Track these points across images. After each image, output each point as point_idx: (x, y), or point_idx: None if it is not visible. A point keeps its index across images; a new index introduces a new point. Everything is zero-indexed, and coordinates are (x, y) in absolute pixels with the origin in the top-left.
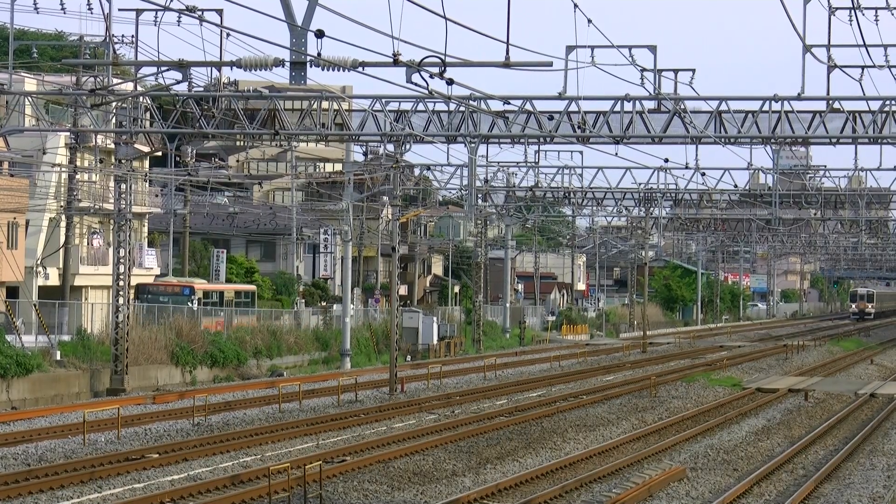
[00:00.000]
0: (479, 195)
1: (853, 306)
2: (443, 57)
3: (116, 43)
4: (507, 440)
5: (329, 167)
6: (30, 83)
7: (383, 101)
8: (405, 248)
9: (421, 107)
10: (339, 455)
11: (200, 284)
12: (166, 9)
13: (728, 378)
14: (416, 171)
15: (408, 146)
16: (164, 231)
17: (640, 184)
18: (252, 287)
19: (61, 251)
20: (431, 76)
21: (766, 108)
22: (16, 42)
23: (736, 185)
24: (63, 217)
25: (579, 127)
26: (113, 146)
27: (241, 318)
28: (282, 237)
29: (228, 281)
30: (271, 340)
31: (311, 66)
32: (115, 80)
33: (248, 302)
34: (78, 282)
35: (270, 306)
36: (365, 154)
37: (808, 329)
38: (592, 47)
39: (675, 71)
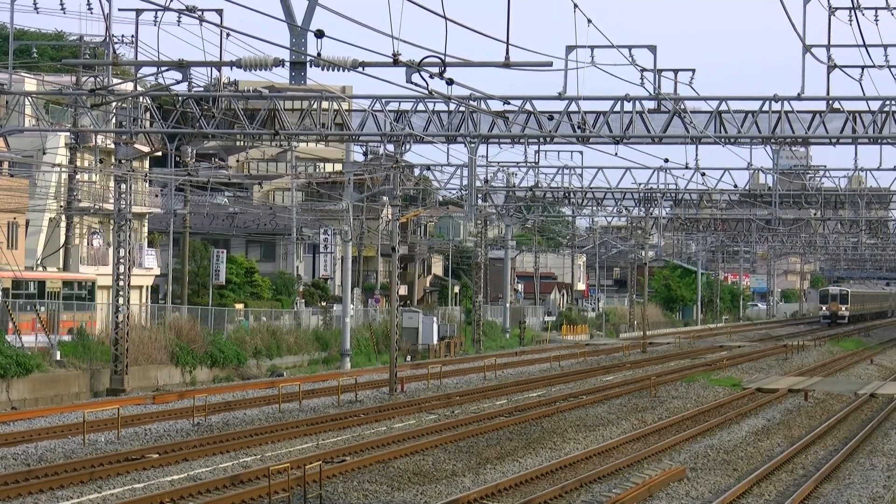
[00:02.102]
0: (479, 195)
1: (823, 308)
2: (443, 57)
3: (116, 43)
4: (506, 440)
5: (329, 167)
6: (30, 83)
7: (383, 101)
8: (405, 249)
9: (421, 107)
10: (339, 455)
11: (7, 273)
12: (166, 9)
13: (728, 378)
14: (416, 172)
15: (408, 146)
16: (164, 231)
17: (639, 184)
18: (91, 276)
19: (61, 251)
20: (431, 76)
21: (765, 108)
22: (16, 42)
23: (736, 185)
24: (63, 217)
25: (579, 127)
26: (113, 146)
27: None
28: (282, 237)
29: (228, 281)
30: (271, 341)
31: (310, 66)
32: (115, 80)
33: (86, 295)
34: None
35: (270, 306)
36: (365, 154)
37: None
38: (592, 47)
39: (675, 71)
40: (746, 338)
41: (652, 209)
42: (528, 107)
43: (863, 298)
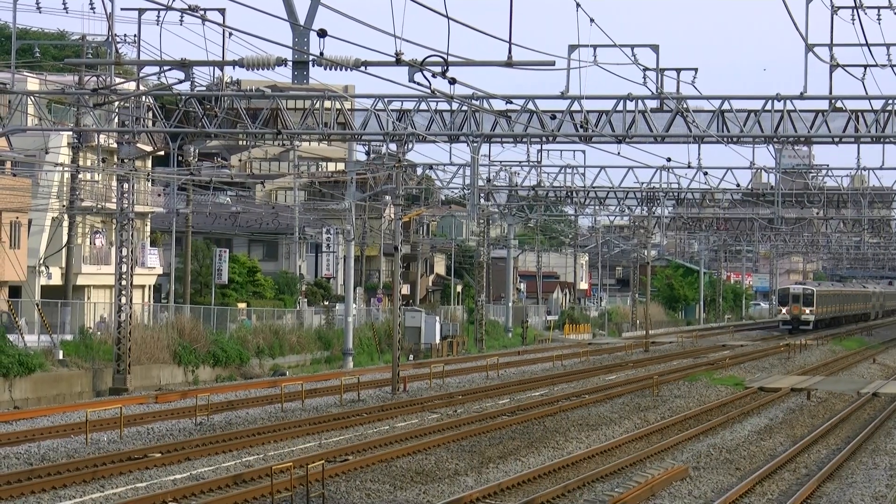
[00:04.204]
0: (482, 194)
1: (783, 311)
2: (445, 56)
3: (119, 42)
4: (509, 439)
5: (331, 166)
6: (32, 83)
7: (386, 100)
8: (407, 248)
9: (423, 106)
10: (342, 454)
11: None
12: (169, 8)
13: (730, 377)
14: (419, 171)
15: (410, 145)
16: (167, 230)
17: (642, 183)
18: None
19: (64, 251)
20: (434, 75)
21: (768, 107)
22: (18, 41)
23: (738, 185)
24: (65, 216)
25: (582, 126)
26: (115, 145)
27: None
28: (284, 237)
29: (231, 280)
30: (274, 340)
31: (313, 66)
32: (118, 80)
33: None
34: (80, 281)
35: (273, 306)
36: (367, 153)
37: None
38: (595, 46)
39: (678, 70)
40: (748, 337)
41: (654, 208)
42: (530, 106)
43: (834, 299)
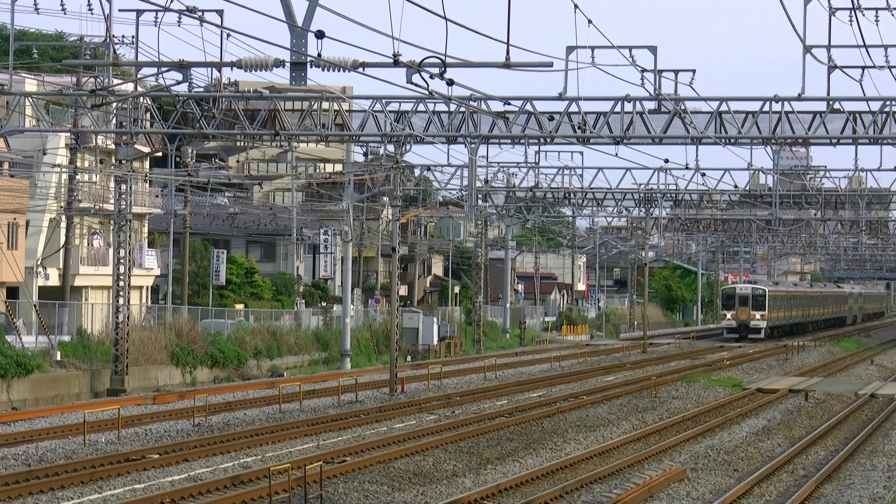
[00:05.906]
0: (480, 196)
1: (728, 315)
2: (443, 57)
3: (117, 43)
4: (507, 441)
5: (329, 168)
6: (30, 84)
7: (383, 101)
8: (405, 249)
9: (421, 107)
10: (340, 455)
11: None
12: (167, 9)
13: (728, 378)
14: (417, 172)
15: (408, 147)
16: (165, 232)
17: (640, 184)
18: None
19: (61, 252)
20: (432, 77)
21: (766, 108)
22: (16, 42)
23: (736, 186)
24: (63, 217)
25: (579, 127)
26: (113, 147)
27: None
28: (282, 238)
29: (228, 282)
30: (271, 341)
31: (311, 67)
32: (116, 81)
33: None
34: (78, 282)
35: (271, 307)
36: (365, 154)
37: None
38: (593, 48)
39: (676, 71)
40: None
41: (652, 209)
42: (528, 107)
43: (795, 301)
